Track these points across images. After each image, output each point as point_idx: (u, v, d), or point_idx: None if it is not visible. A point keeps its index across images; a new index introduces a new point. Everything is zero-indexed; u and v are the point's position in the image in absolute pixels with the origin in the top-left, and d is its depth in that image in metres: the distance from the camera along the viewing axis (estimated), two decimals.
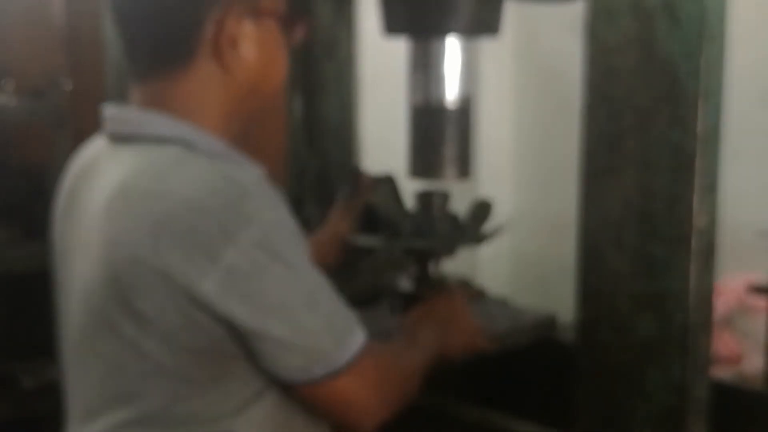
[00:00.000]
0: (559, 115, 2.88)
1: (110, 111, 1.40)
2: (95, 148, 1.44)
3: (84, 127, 3.15)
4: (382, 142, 2.67)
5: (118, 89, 2.33)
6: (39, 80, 3.19)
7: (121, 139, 1.36)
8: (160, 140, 1.32)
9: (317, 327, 1.30)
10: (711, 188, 1.46)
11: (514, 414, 1.87)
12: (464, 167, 1.90)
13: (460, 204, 1.99)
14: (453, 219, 1.96)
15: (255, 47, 1.35)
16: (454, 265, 2.02)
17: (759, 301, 2.86)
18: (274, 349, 1.28)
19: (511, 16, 1.89)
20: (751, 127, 2.87)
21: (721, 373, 2.44)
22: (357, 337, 1.34)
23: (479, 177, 3.24)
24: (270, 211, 1.27)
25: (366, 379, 1.35)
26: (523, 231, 3.53)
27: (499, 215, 2.04)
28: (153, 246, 1.23)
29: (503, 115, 3.68)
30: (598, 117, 1.52)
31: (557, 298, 2.07)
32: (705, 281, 1.48)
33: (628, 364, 1.53)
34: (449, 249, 1.96)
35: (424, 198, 1.95)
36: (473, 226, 1.98)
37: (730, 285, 2.90)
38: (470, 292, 1.98)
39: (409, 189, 1.97)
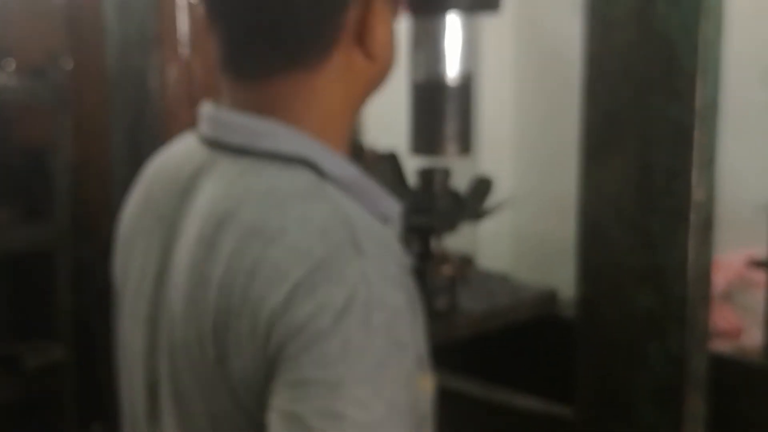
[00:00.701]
0: (559, 92, 2.88)
1: (211, 111, 1.15)
2: (186, 152, 1.19)
3: (84, 106, 3.18)
4: (383, 119, 2.67)
5: (119, 68, 2.34)
6: (39, 60, 3.20)
7: (227, 149, 1.12)
8: (280, 158, 1.09)
9: None
10: (709, 162, 1.47)
11: (515, 388, 1.88)
12: (465, 144, 1.91)
13: (461, 180, 1.99)
14: (454, 195, 1.97)
15: (386, 27, 1.14)
16: (455, 242, 2.03)
17: (758, 276, 2.87)
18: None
19: None
20: (750, 103, 2.87)
21: (722, 347, 2.46)
22: None
23: (480, 154, 3.24)
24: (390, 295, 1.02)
25: None
26: (524, 207, 3.53)
27: (499, 191, 2.05)
28: (245, 298, 1.01)
29: (503, 92, 3.68)
30: (598, 92, 1.53)
31: (557, 274, 2.08)
32: (703, 255, 1.49)
33: (628, 338, 1.54)
34: (450, 225, 1.96)
35: (426, 175, 1.96)
36: (474, 202, 1.99)
37: (730, 260, 2.91)
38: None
39: (411, 166, 1.97)
